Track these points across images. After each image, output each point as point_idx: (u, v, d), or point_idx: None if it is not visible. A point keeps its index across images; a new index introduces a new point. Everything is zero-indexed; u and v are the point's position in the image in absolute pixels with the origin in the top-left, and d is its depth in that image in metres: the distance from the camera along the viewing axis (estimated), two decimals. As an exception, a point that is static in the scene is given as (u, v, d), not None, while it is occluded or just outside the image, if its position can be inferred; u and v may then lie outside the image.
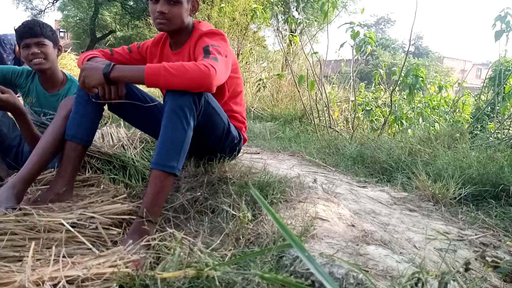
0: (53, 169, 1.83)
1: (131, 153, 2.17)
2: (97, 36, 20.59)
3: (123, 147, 2.21)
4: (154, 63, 1.79)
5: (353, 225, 1.34)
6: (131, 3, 19.29)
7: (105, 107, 1.71)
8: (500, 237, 1.52)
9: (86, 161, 1.98)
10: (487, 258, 1.20)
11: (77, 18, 21.85)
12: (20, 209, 1.35)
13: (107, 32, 22.08)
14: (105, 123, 2.79)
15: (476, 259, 1.24)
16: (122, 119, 2.55)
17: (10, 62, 4.16)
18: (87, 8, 20.62)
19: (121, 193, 1.73)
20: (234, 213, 1.34)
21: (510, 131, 3.77)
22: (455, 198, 1.90)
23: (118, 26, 21.60)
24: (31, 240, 1.14)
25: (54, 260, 1.00)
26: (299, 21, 5.01)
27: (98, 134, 2.27)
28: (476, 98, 5.56)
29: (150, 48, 1.82)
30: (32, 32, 1.91)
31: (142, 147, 2.28)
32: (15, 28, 1.95)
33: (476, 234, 1.51)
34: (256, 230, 1.25)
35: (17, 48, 3.99)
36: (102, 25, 22.42)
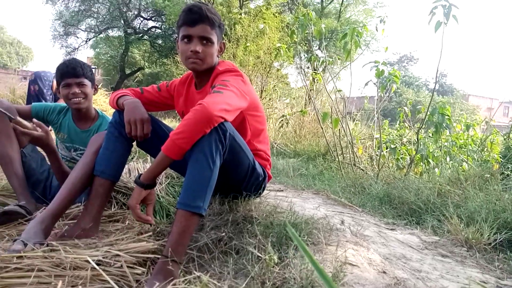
0: (80, 204, 1.85)
1: (156, 189, 2.18)
2: (126, 73, 21.47)
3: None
4: (180, 102, 1.84)
5: (384, 272, 1.28)
6: (160, 41, 20.16)
7: (134, 143, 1.75)
8: (543, 289, 1.42)
9: (112, 196, 2.01)
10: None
11: (108, 55, 22.90)
12: (47, 245, 1.36)
13: (136, 69, 23.00)
14: (132, 158, 2.84)
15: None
16: (148, 155, 2.59)
17: (49, 97, 4.37)
18: (118, 46, 21.65)
19: (146, 230, 1.72)
20: (260, 255, 1.31)
21: (543, 172, 3.62)
22: (490, 243, 1.80)
23: (146, 64, 22.48)
24: (57, 277, 1.14)
25: (79, 300, 0.99)
26: (322, 59, 5.08)
27: (125, 169, 2.31)
28: (505, 137, 5.41)
29: (178, 87, 1.87)
30: (74, 72, 2.00)
31: (168, 183, 2.29)
32: (58, 67, 2.05)
33: (516, 285, 1.42)
34: (282, 274, 1.21)
35: (54, 84, 4.19)
36: (131, 62, 23.40)
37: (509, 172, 4.14)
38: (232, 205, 1.77)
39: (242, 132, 1.71)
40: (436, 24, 3.08)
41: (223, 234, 1.57)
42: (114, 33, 21.42)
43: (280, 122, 6.04)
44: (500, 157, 4.63)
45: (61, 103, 2.21)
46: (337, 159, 4.14)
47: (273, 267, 1.22)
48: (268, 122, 6.65)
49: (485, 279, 1.46)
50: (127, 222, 1.80)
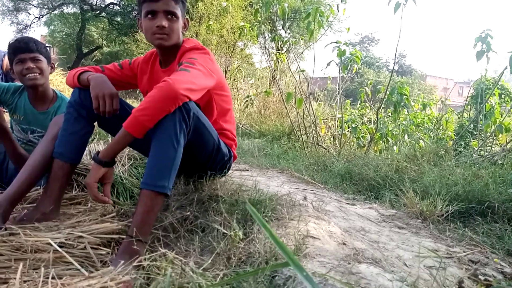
0: (39, 187, 1.80)
1: (119, 171, 2.15)
2: (84, 52, 20.54)
3: (111, 164, 2.19)
4: (144, 80, 1.80)
5: (344, 243, 1.34)
6: (118, 19, 19.35)
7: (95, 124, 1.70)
8: (488, 254, 1.54)
9: (73, 179, 1.95)
10: (479, 276, 1.21)
11: (63, 33, 21.78)
12: (5, 229, 1.32)
13: (93, 47, 22.04)
14: (92, 140, 2.76)
15: (468, 277, 1.25)
16: (110, 136, 2.53)
17: None
18: (74, 23, 20.60)
19: (109, 211, 1.71)
20: (225, 231, 1.33)
21: (492, 148, 3.86)
22: (442, 215, 1.92)
23: (105, 42, 21.59)
24: (17, 261, 1.11)
25: (42, 281, 0.98)
26: (285, 39, 5.10)
27: (86, 151, 2.25)
28: (459, 115, 5.70)
29: (141, 65, 1.82)
30: (27, 47, 1.90)
31: (131, 165, 2.26)
32: (10, 43, 1.94)
33: (464, 252, 1.53)
34: (247, 249, 1.24)
35: (5, 63, 3.94)
36: (89, 40, 22.39)
37: (462, 149, 4.38)
38: (197, 185, 1.78)
39: (208, 111, 1.70)
40: (396, 5, 3.15)
41: (189, 213, 1.59)
42: (69, 9, 20.29)
43: (245, 103, 6.05)
44: (454, 134, 4.88)
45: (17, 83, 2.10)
46: (301, 139, 4.21)
47: (238, 242, 1.25)
48: (233, 103, 6.63)
49: (437, 247, 1.57)
50: (89, 204, 1.76)
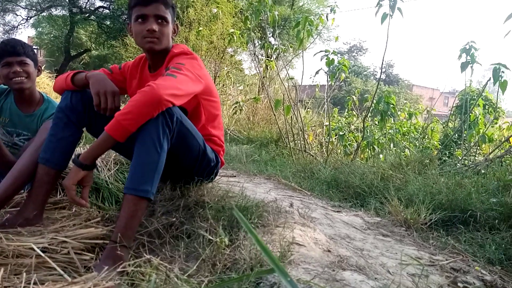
0: (23, 191, 1.77)
1: (104, 175, 2.13)
2: (72, 55, 20.31)
3: (97, 169, 2.17)
4: (133, 84, 1.80)
5: (329, 250, 1.35)
6: (108, 22, 19.22)
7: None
8: (469, 262, 1.56)
9: (58, 183, 1.93)
10: (458, 284, 1.23)
11: (51, 35, 21.51)
12: (-13, 234, 1.29)
13: (82, 50, 21.81)
14: (78, 144, 2.73)
15: (448, 285, 1.27)
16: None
17: None
18: (62, 25, 20.37)
19: (93, 216, 1.69)
20: (211, 238, 1.33)
21: (476, 158, 3.93)
22: (426, 223, 1.95)
23: (93, 45, 21.38)
24: (-2, 266, 1.09)
25: (24, 287, 0.96)
26: (275, 47, 5.14)
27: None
28: (444, 125, 5.80)
29: (131, 69, 1.82)
30: (14, 50, 1.88)
31: (117, 169, 2.24)
32: None
33: (446, 260, 1.55)
34: (233, 256, 1.24)
35: None
36: (77, 43, 22.15)
37: (446, 158, 4.45)
38: (183, 191, 1.77)
39: (196, 116, 1.70)
40: (383, 16, 3.21)
41: (174, 219, 1.58)
42: (58, 11, 20.07)
43: (233, 109, 6.06)
44: (439, 144, 4.96)
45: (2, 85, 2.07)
46: (288, 146, 4.24)
47: (224, 249, 1.25)
48: (222, 109, 6.62)
49: (420, 255, 1.59)
50: (73, 209, 1.74)
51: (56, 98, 2.00)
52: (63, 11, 19.77)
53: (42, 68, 2.19)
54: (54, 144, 1.55)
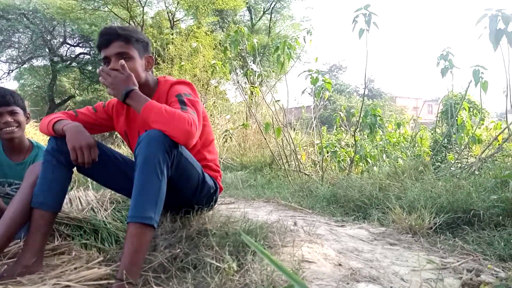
0: (19, 240, 1.72)
1: (101, 216, 2.08)
2: (56, 102, 20.30)
3: (93, 210, 2.13)
4: (121, 121, 1.79)
5: (340, 264, 1.32)
6: (90, 67, 19.38)
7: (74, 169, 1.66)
8: (481, 261, 1.55)
9: (54, 228, 1.88)
10: (475, 283, 1.21)
11: (34, 86, 21.55)
12: (-15, 287, 1.24)
13: (66, 97, 21.85)
14: (71, 188, 2.68)
15: (463, 285, 1.25)
16: (90, 181, 2.47)
17: None
18: (44, 75, 20.46)
19: (94, 258, 1.64)
20: (218, 265, 1.30)
21: (468, 159, 3.96)
22: (431, 227, 1.94)
23: (77, 91, 21.46)
24: (0, 319, 1.04)
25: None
26: (257, 73, 5.21)
27: (65, 199, 2.18)
28: (432, 132, 5.87)
29: (116, 106, 1.81)
30: (4, 100, 1.87)
31: (113, 208, 2.19)
32: None
33: (458, 261, 1.53)
34: (243, 281, 1.21)
35: None
36: (61, 91, 22.21)
37: (439, 163, 4.48)
38: (184, 221, 1.74)
39: None
40: (360, 31, 3.29)
41: (178, 250, 1.54)
42: (39, 62, 20.20)
43: (223, 137, 6.07)
44: (430, 150, 5.01)
45: None
46: (283, 167, 4.23)
47: (233, 275, 1.22)
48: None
49: (431, 260, 1.56)
50: (73, 253, 1.69)
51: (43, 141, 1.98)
52: (44, 61, 19.91)
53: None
54: (47, 187, 1.52)
